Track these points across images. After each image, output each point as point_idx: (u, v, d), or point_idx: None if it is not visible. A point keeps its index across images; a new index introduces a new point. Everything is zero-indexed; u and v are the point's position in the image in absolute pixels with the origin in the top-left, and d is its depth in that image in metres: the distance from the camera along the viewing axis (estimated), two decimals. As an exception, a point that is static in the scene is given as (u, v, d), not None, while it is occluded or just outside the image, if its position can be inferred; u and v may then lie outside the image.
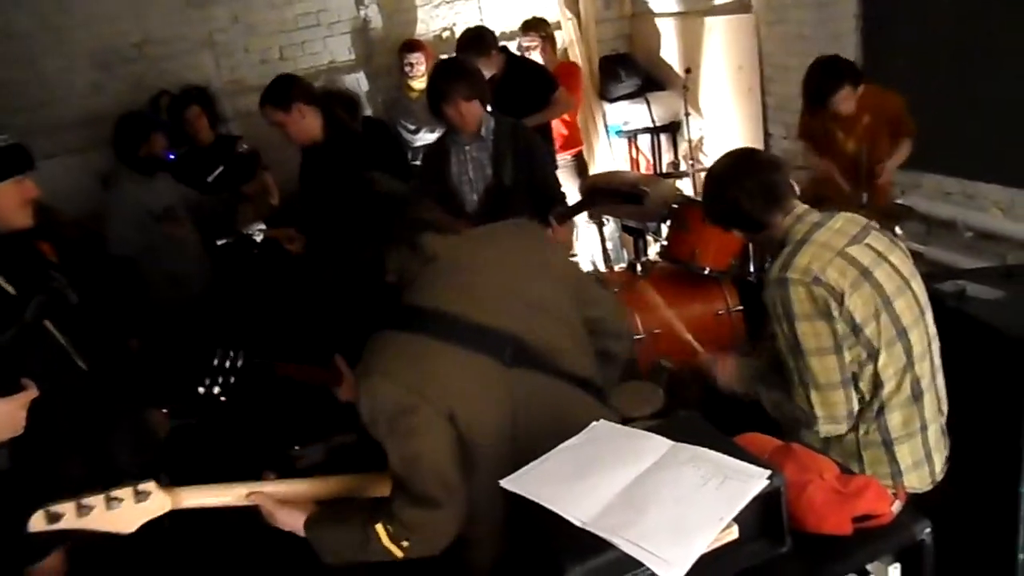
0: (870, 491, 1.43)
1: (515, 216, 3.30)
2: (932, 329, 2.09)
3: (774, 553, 1.34)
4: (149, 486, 1.60)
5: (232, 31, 5.56)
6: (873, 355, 1.98)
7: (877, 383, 2.00)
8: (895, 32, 4.38)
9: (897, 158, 3.82)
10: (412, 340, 1.57)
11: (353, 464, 1.86)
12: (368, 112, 5.62)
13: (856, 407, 2.00)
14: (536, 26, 5.42)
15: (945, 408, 2.13)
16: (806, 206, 2.12)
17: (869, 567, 1.38)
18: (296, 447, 3.23)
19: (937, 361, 2.11)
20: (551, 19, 5.73)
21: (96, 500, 1.55)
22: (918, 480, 2.07)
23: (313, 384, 2.05)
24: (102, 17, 5.24)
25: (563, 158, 5.30)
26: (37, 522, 1.53)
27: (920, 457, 2.07)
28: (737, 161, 2.18)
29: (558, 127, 5.24)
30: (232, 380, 1.97)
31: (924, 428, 2.06)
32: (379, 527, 1.55)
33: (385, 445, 1.56)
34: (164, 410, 3.78)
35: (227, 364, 1.97)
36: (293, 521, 1.68)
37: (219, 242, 3.41)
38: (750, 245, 3.66)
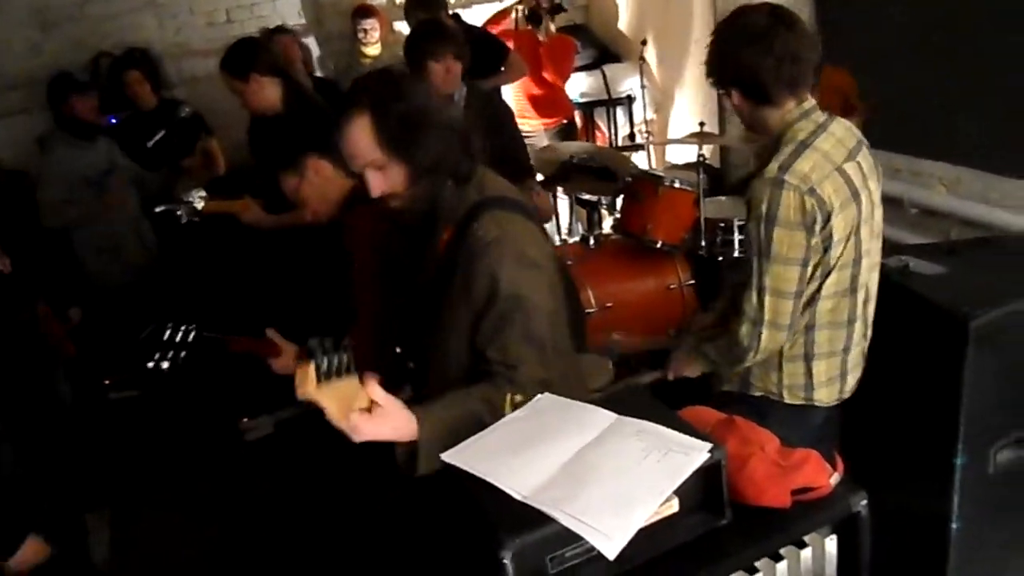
0: (809, 464, 1.44)
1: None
2: (876, 258, 2.11)
3: (714, 525, 1.34)
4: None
5: (177, -9, 5.37)
6: (825, 275, 1.98)
7: (813, 299, 2.01)
8: (848, 7, 4.41)
9: None
10: (514, 219, 1.76)
11: (302, 436, 1.84)
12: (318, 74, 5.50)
13: (794, 321, 2.00)
14: None
15: (870, 333, 2.17)
16: (815, 101, 1.98)
17: (806, 538, 1.40)
18: (244, 419, 3.19)
19: (873, 290, 2.13)
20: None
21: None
22: (827, 395, 2.12)
23: (260, 357, 2.03)
24: (43, -26, 5.04)
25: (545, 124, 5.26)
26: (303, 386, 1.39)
27: (835, 375, 2.11)
28: (776, 17, 1.90)
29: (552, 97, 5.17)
30: (182, 355, 1.92)
31: (847, 350, 2.09)
32: (507, 399, 1.62)
33: (504, 323, 1.70)
34: (107, 381, 3.70)
35: (178, 338, 1.93)
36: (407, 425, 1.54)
37: (157, 209, 3.32)
38: (702, 220, 3.63)
